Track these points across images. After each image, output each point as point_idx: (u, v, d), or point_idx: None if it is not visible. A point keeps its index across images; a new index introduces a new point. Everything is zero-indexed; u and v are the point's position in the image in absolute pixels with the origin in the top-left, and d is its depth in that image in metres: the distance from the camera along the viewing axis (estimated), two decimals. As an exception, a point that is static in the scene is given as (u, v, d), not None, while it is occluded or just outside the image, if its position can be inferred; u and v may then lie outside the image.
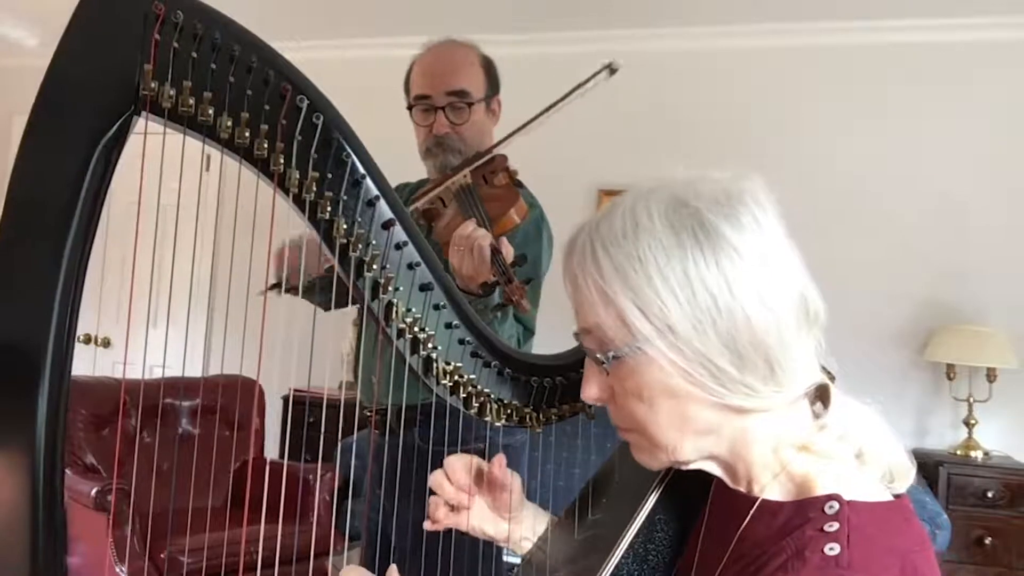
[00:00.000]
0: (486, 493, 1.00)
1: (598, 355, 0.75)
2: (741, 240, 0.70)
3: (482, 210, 1.51)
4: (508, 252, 1.33)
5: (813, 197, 3.49)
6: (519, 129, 1.60)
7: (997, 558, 3.15)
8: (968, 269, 3.54)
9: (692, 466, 0.78)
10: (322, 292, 1.66)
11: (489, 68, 1.79)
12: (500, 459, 0.96)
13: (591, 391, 0.79)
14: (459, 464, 0.98)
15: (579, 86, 1.56)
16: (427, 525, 0.99)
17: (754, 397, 0.71)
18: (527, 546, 1.02)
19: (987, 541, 3.15)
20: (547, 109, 1.58)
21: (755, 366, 0.70)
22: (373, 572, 0.86)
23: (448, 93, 1.71)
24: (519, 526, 1.01)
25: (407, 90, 1.79)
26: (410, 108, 1.77)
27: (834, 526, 0.66)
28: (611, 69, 1.55)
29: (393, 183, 0.95)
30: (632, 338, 0.71)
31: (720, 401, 0.72)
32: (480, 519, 1.00)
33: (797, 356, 0.72)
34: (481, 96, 1.74)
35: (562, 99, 1.57)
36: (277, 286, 1.62)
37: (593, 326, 0.74)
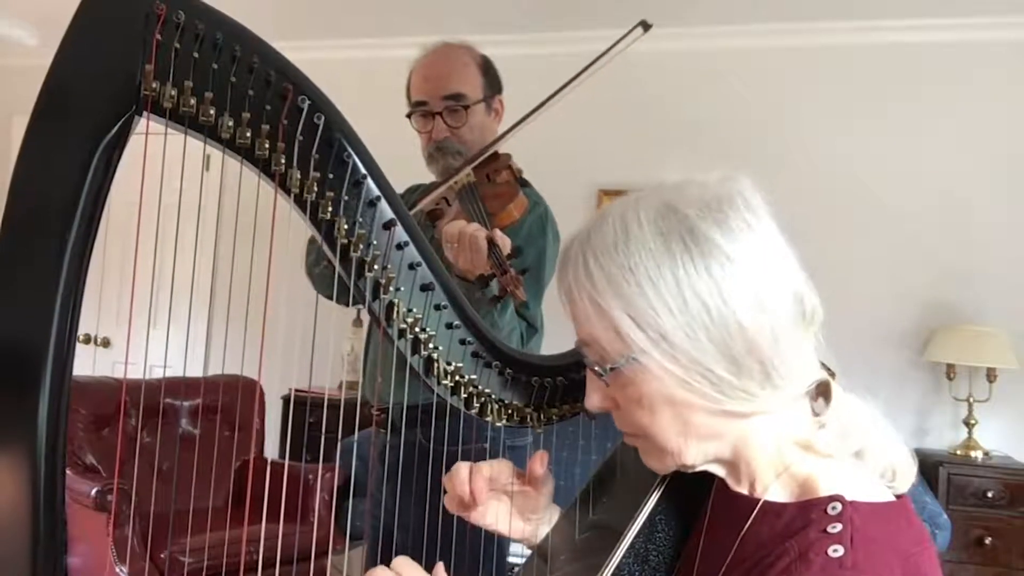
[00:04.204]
0: (520, 494, 0.98)
1: (596, 367, 0.75)
2: (732, 246, 0.70)
3: (482, 207, 1.52)
4: (504, 244, 1.33)
5: (812, 198, 3.49)
6: (543, 104, 1.53)
7: (997, 558, 3.15)
8: (968, 269, 3.54)
9: (698, 468, 0.78)
10: (323, 279, 1.67)
11: (487, 68, 1.78)
12: (543, 456, 0.95)
13: (593, 401, 0.79)
14: (500, 467, 0.96)
15: (612, 46, 1.49)
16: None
17: (752, 401, 0.71)
18: (534, 540, 1.00)
19: (987, 541, 3.15)
20: (579, 74, 1.51)
21: (751, 371, 0.70)
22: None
23: (444, 97, 1.70)
24: (544, 527, 1.00)
25: (408, 96, 1.79)
26: (409, 115, 1.77)
27: (837, 527, 0.66)
28: (644, 26, 1.50)
29: (393, 183, 0.95)
30: (628, 348, 0.71)
31: (718, 407, 0.72)
32: (496, 519, 0.98)
33: (794, 357, 0.72)
34: (479, 97, 1.73)
35: (595, 61, 1.50)
36: None
37: (589, 338, 0.74)
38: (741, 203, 0.72)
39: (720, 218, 0.71)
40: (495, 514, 0.98)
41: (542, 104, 1.54)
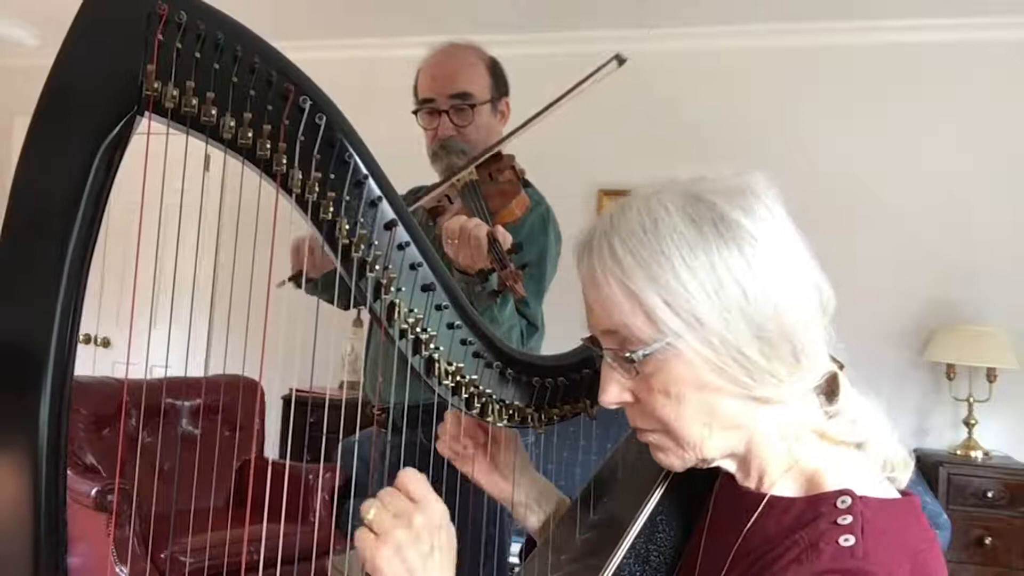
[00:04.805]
0: (488, 450, 1.05)
1: (625, 354, 0.74)
2: (760, 230, 0.71)
3: (484, 204, 1.52)
4: (505, 239, 1.34)
5: (812, 198, 3.48)
6: (524, 125, 1.59)
7: (997, 558, 3.15)
8: (968, 269, 3.55)
9: (713, 464, 0.78)
10: (328, 289, 1.67)
11: (495, 70, 1.79)
12: (456, 414, 1.02)
13: (611, 394, 0.77)
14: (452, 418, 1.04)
15: (587, 78, 1.53)
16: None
17: (779, 386, 0.72)
18: (522, 512, 1.05)
19: (987, 541, 3.15)
20: (554, 102, 1.56)
21: (782, 354, 0.71)
22: None
23: (451, 96, 1.71)
24: (518, 489, 1.03)
25: (415, 94, 1.80)
26: (416, 112, 1.77)
27: (847, 519, 0.67)
28: (619, 60, 1.53)
29: (395, 183, 0.95)
30: (660, 333, 0.71)
31: (747, 393, 0.72)
32: (478, 472, 1.05)
33: (817, 344, 0.73)
34: (486, 98, 1.74)
35: (570, 91, 1.54)
36: (296, 278, 1.61)
37: (618, 325, 0.73)
38: (760, 194, 0.74)
39: (744, 204, 0.72)
40: (474, 468, 1.05)
41: (516, 129, 1.61)
